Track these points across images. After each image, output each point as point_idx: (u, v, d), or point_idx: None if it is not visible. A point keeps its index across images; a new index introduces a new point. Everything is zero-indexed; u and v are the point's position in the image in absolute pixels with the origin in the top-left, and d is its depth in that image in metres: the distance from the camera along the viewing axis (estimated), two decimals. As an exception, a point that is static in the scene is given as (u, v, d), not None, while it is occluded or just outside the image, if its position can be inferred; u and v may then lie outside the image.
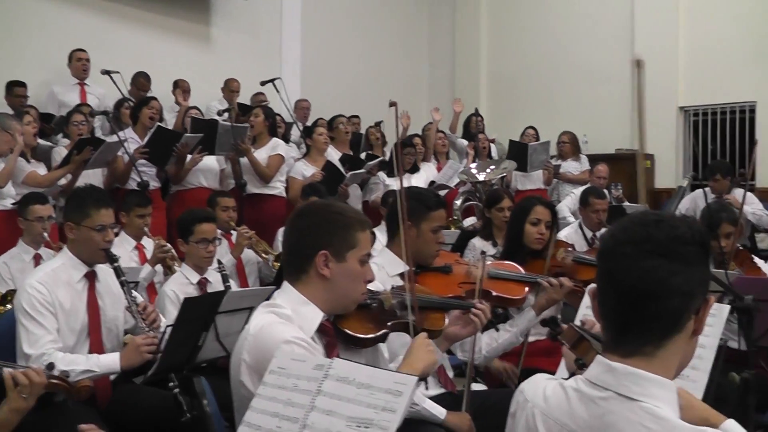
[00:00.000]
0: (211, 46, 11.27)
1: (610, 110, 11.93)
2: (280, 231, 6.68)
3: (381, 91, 11.83)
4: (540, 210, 4.53)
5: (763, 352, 4.17)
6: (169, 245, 5.65)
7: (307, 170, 8.10)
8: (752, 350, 3.10)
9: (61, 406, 3.16)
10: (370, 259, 2.76)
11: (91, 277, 3.88)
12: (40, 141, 7.34)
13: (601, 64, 12.19)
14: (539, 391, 1.82)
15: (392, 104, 3.11)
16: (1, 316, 4.62)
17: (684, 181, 8.08)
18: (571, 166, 10.07)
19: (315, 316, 2.61)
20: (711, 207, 5.50)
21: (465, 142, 10.40)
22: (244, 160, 7.73)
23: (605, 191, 7.80)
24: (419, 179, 8.80)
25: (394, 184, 7.95)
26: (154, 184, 7.30)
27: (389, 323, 2.89)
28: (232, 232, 6.41)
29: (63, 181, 6.69)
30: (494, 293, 3.89)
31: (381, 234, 4.30)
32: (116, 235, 4.16)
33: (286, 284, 2.68)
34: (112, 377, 3.80)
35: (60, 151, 7.08)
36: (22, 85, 8.31)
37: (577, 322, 2.61)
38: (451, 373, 3.79)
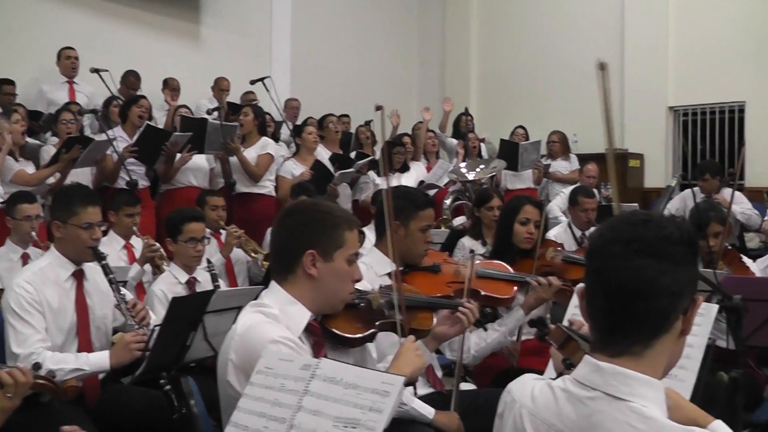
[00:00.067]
0: (201, 45, 11.25)
1: (600, 110, 11.90)
2: (270, 230, 6.67)
3: (371, 90, 11.85)
4: (529, 209, 4.54)
5: (751, 351, 4.20)
6: (158, 244, 5.63)
7: (296, 169, 8.09)
8: (741, 350, 3.09)
9: (48, 407, 3.15)
10: (358, 259, 2.75)
11: (79, 276, 3.86)
12: (29, 139, 7.31)
13: (591, 63, 11.94)
14: (527, 391, 1.81)
15: (378, 108, 3.09)
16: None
17: (673, 181, 8.08)
18: (560, 166, 10.08)
19: (302, 315, 2.60)
20: (700, 206, 5.51)
21: (455, 142, 10.42)
22: (233, 159, 7.72)
23: (595, 191, 7.81)
24: (409, 178, 8.81)
25: (384, 183, 7.94)
26: (143, 183, 7.28)
27: (377, 323, 2.88)
28: (222, 231, 6.40)
29: (51, 180, 6.66)
30: (483, 292, 3.88)
31: (371, 233, 4.30)
32: (104, 234, 4.15)
33: (273, 284, 2.67)
34: (100, 376, 3.79)
35: (48, 150, 7.05)
36: (11, 83, 8.28)
37: (566, 321, 2.61)
38: (439, 373, 3.79)
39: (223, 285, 5.14)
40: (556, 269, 4.32)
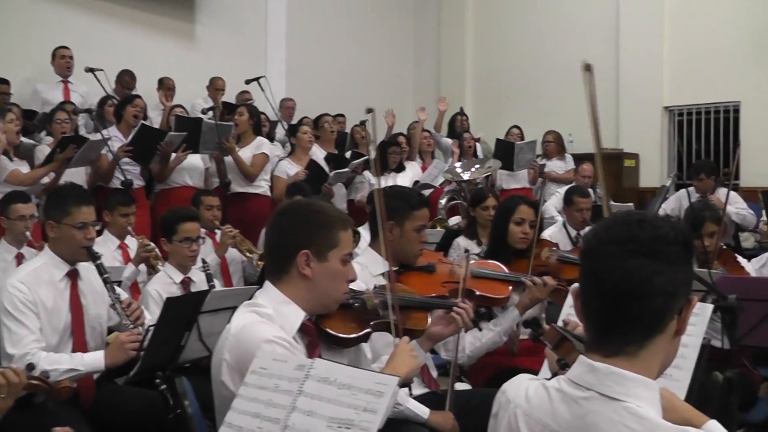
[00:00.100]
0: (196, 44, 11.24)
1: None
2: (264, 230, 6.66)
3: (366, 90, 11.84)
4: (524, 209, 4.53)
5: (746, 351, 4.20)
6: (152, 244, 5.62)
7: (291, 169, 8.07)
8: (735, 349, 3.09)
9: (42, 407, 3.14)
10: (352, 259, 2.75)
11: (73, 276, 3.86)
12: (23, 139, 7.28)
13: (586, 63, 12.16)
14: (521, 391, 1.81)
15: (369, 111, 3.08)
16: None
17: (668, 181, 8.08)
18: (556, 166, 10.07)
19: (296, 315, 2.59)
20: (694, 206, 5.51)
21: (450, 141, 10.42)
22: (228, 158, 7.71)
23: (590, 190, 7.81)
24: (404, 178, 8.81)
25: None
26: (138, 183, 7.27)
27: (372, 323, 2.88)
28: (217, 231, 6.38)
29: (46, 180, 6.64)
30: (478, 292, 3.88)
31: (366, 233, 4.29)
32: (99, 233, 4.14)
33: (267, 284, 2.66)
34: (95, 376, 3.78)
35: (43, 149, 7.03)
36: (5, 82, 8.28)
37: (561, 321, 2.61)
38: (435, 373, 3.79)
39: (218, 285, 5.12)
40: (551, 269, 4.33)
